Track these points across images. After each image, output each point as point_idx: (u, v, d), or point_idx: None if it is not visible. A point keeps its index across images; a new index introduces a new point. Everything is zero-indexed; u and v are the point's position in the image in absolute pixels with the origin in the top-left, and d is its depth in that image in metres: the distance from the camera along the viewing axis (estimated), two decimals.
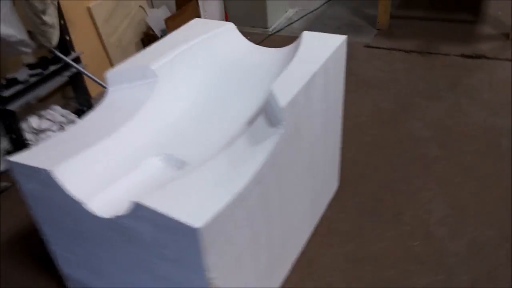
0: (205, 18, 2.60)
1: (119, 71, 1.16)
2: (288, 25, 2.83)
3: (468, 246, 1.32)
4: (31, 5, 1.60)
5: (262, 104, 1.05)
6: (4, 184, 1.70)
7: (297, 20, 2.87)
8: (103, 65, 2.27)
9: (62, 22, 1.80)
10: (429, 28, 2.60)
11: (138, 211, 0.83)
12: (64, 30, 1.83)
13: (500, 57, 2.24)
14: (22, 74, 1.73)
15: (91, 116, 1.13)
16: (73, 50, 1.92)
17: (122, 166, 1.03)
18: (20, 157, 1.00)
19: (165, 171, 1.04)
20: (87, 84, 2.07)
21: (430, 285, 1.22)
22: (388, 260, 1.30)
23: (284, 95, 0.95)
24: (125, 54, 2.37)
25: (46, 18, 1.59)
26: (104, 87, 1.36)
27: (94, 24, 2.22)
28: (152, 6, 2.57)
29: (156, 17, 2.48)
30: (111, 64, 2.33)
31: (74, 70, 1.92)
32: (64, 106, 2.08)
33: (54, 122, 1.98)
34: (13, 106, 1.70)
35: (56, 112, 2.01)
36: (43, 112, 1.97)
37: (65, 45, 1.86)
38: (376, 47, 2.46)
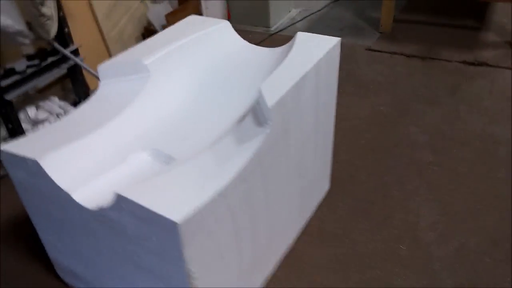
0: (207, 15, 2.60)
1: (111, 64, 1.16)
2: (291, 25, 2.82)
3: (455, 252, 1.32)
4: None
5: (253, 103, 1.05)
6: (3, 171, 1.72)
7: (300, 21, 2.86)
8: (103, 58, 2.25)
9: (61, 14, 1.81)
10: (433, 33, 2.58)
11: (121, 203, 0.84)
12: (63, 22, 1.84)
13: (502, 65, 2.23)
14: (20, 65, 1.74)
15: (82, 109, 1.13)
16: (72, 43, 1.93)
17: (110, 159, 1.04)
18: (9, 146, 1.01)
19: (152, 166, 1.04)
20: (86, 76, 2.08)
21: None
22: (374, 262, 1.30)
23: (272, 95, 0.96)
24: (125, 48, 2.36)
25: (44, 9, 1.60)
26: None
27: (95, 17, 2.23)
28: (155, 1, 2.58)
29: (157, 12, 2.49)
30: (111, 58, 2.34)
31: (72, 62, 1.93)
32: (62, 98, 2.09)
33: (51, 113, 1.99)
34: (10, 96, 1.71)
35: (54, 103, 2.02)
36: (41, 103, 1.98)
37: (64, 37, 1.87)
38: (378, 51, 2.45)
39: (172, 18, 2.30)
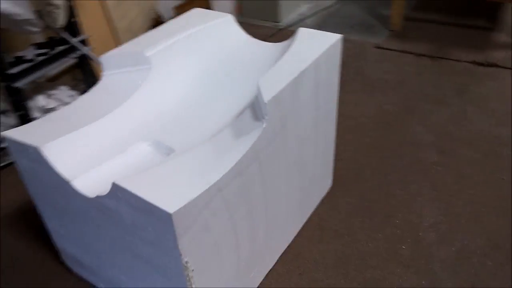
0: (216, 8, 2.60)
1: (113, 55, 1.17)
2: (300, 20, 2.81)
3: (456, 254, 1.30)
4: None
5: (252, 97, 1.06)
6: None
7: (309, 16, 2.85)
8: (111, 49, 2.29)
9: (70, 4, 1.83)
10: (443, 32, 2.55)
11: (117, 192, 0.85)
12: (72, 12, 1.85)
13: None
14: (30, 53, 1.76)
15: (85, 98, 1.15)
16: (80, 33, 1.95)
17: (110, 148, 1.05)
18: (13, 133, 1.03)
19: (152, 157, 1.05)
20: (95, 66, 2.10)
21: None
22: (374, 260, 1.30)
23: (269, 90, 0.95)
24: None
25: None
26: None
27: (105, 8, 2.24)
28: None
29: (167, 4, 2.49)
30: None
31: (81, 52, 1.95)
32: (73, 88, 2.11)
33: (61, 102, 2.02)
34: (19, 84, 1.73)
35: (63, 92, 2.05)
36: (51, 92, 2.01)
37: (72, 27, 1.88)
38: (387, 49, 2.42)
39: (180, 11, 2.30)
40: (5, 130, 1.19)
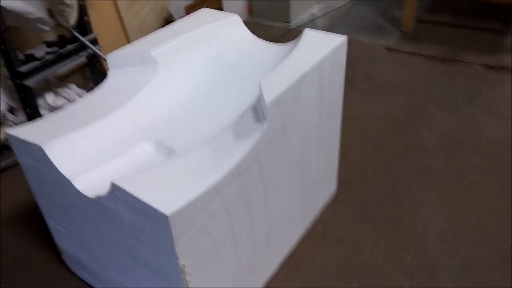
0: (227, 9, 2.60)
1: (120, 54, 1.18)
2: (311, 21, 2.79)
3: (462, 265, 1.27)
4: None
5: (255, 99, 1.05)
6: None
7: (320, 17, 2.83)
8: None
9: (81, 3, 1.84)
10: (456, 34, 2.51)
11: (116, 192, 0.85)
12: (83, 11, 1.87)
13: None
14: (40, 51, 1.78)
15: (90, 97, 1.15)
16: (91, 31, 1.96)
17: (113, 148, 1.05)
18: (16, 131, 1.04)
19: (153, 157, 1.05)
20: (105, 65, 2.12)
21: None
22: (378, 269, 1.28)
23: (271, 91, 0.95)
24: None
25: None
26: None
27: (116, 7, 2.26)
28: None
29: (178, 4, 2.50)
30: None
31: (91, 51, 1.96)
32: (82, 86, 2.13)
33: (69, 100, 2.04)
34: (29, 82, 1.75)
35: (72, 90, 2.07)
36: (60, 90, 2.03)
37: (83, 25, 1.90)
38: (397, 50, 2.39)
39: (192, 11, 2.30)
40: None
